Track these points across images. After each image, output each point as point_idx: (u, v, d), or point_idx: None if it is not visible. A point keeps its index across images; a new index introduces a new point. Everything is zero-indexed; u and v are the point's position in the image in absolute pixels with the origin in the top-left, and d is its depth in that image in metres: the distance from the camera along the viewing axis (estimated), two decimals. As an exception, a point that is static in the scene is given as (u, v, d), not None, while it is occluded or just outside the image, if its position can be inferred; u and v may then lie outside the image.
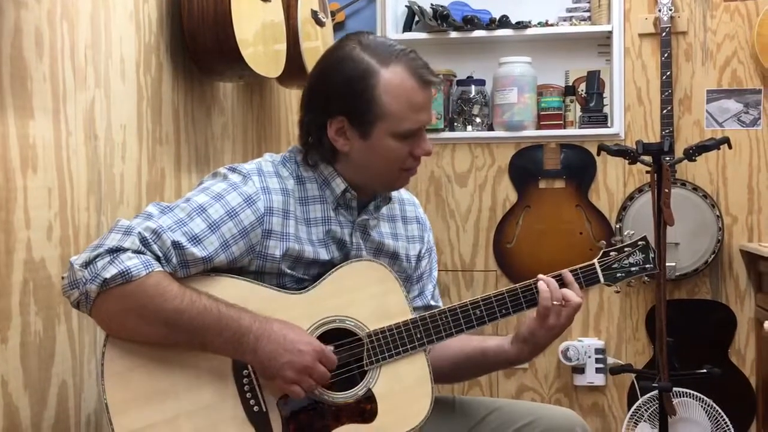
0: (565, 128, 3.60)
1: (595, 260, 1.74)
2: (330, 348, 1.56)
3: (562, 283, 1.68)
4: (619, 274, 1.75)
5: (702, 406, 3.09)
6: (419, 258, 1.83)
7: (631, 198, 3.45)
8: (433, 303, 1.85)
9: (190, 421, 1.50)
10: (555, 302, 1.65)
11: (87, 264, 1.45)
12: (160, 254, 1.49)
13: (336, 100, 1.61)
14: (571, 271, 1.71)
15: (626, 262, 1.75)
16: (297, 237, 1.62)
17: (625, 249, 1.76)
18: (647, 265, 1.76)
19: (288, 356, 1.49)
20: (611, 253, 1.75)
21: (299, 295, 1.61)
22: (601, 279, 1.73)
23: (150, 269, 1.46)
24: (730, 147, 2.76)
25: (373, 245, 1.73)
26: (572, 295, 1.66)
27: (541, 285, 1.66)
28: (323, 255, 1.65)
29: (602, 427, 3.56)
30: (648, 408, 3.10)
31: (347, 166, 1.66)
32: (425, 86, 1.62)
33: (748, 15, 3.43)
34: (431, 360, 1.75)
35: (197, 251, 1.51)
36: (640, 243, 1.77)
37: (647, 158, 2.59)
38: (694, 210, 3.36)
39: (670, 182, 2.51)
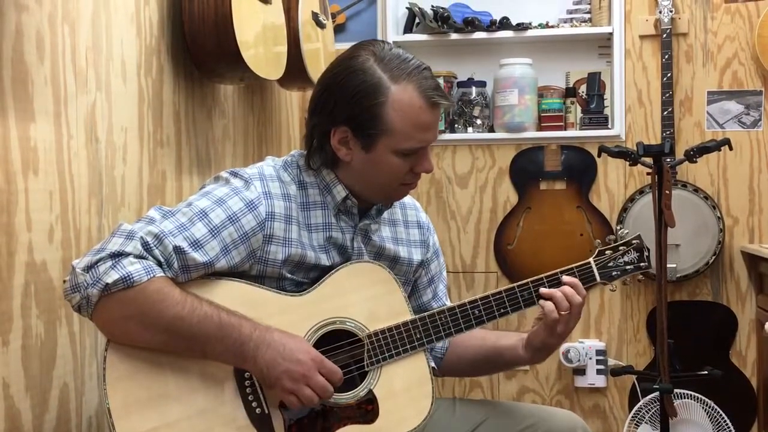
0: (565, 130, 3.59)
1: (591, 259, 1.75)
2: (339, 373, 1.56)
3: (560, 284, 1.69)
4: (614, 273, 1.75)
5: (703, 408, 3.09)
6: (425, 263, 1.84)
7: (631, 199, 3.45)
8: (448, 303, 1.86)
9: (192, 423, 1.50)
10: (563, 312, 1.65)
11: (89, 268, 1.45)
12: (162, 259, 1.49)
13: (342, 110, 1.60)
14: (567, 270, 1.72)
15: (621, 260, 1.76)
16: (299, 242, 1.62)
17: (620, 248, 1.77)
18: (642, 264, 1.77)
19: (286, 365, 1.49)
20: (606, 252, 1.76)
21: (299, 297, 1.61)
22: (598, 277, 1.74)
23: (152, 275, 1.46)
24: (730, 148, 2.76)
25: (374, 249, 1.74)
26: (573, 296, 1.67)
27: (547, 305, 1.66)
28: (324, 260, 1.65)
29: (603, 428, 3.55)
30: (649, 409, 3.10)
31: (348, 174, 1.66)
32: (433, 107, 1.61)
33: (748, 16, 3.43)
34: (450, 358, 1.78)
35: (198, 256, 1.51)
36: (634, 242, 1.78)
37: (648, 160, 2.59)
38: (694, 211, 3.36)
39: (670, 184, 2.50)
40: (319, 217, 1.66)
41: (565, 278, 1.69)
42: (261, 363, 1.50)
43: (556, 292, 1.67)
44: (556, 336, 1.69)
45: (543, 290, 1.68)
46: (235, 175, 1.63)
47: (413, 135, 1.60)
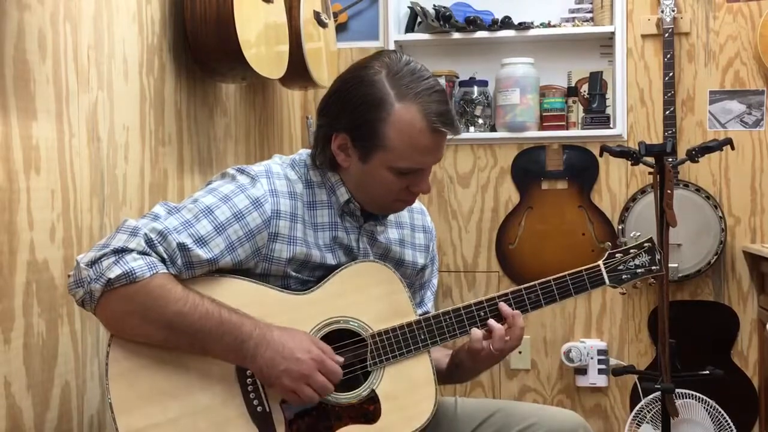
0: (567, 129, 3.59)
1: (600, 262, 1.74)
2: (340, 360, 1.55)
3: (498, 316, 1.66)
4: (624, 276, 1.74)
5: (704, 408, 3.09)
6: (423, 268, 1.84)
7: (633, 199, 3.45)
8: (431, 311, 1.86)
9: (194, 420, 1.50)
10: (495, 351, 1.64)
11: (92, 263, 1.46)
12: (166, 256, 1.49)
13: (345, 117, 1.60)
14: (576, 273, 1.71)
15: (632, 263, 1.75)
16: (304, 241, 1.62)
17: (631, 251, 1.75)
18: (653, 267, 1.76)
19: (285, 364, 1.49)
20: (617, 255, 1.75)
21: (303, 295, 1.61)
22: (607, 281, 1.73)
23: (154, 271, 1.46)
24: (732, 148, 2.76)
25: (380, 250, 1.74)
26: (514, 334, 1.64)
27: (475, 332, 1.64)
28: (330, 260, 1.65)
29: (605, 428, 3.55)
30: (650, 409, 3.10)
31: (347, 178, 1.66)
32: (434, 132, 1.58)
33: (750, 16, 3.43)
34: None
35: (203, 253, 1.52)
36: (646, 245, 1.76)
37: (650, 159, 2.59)
38: (696, 211, 3.36)
39: (672, 183, 2.51)
40: (325, 217, 1.66)
41: (501, 308, 1.65)
42: (260, 362, 1.50)
43: (496, 326, 1.64)
44: (481, 362, 1.68)
45: (490, 321, 1.64)
46: (241, 171, 1.63)
47: (410, 155, 1.59)
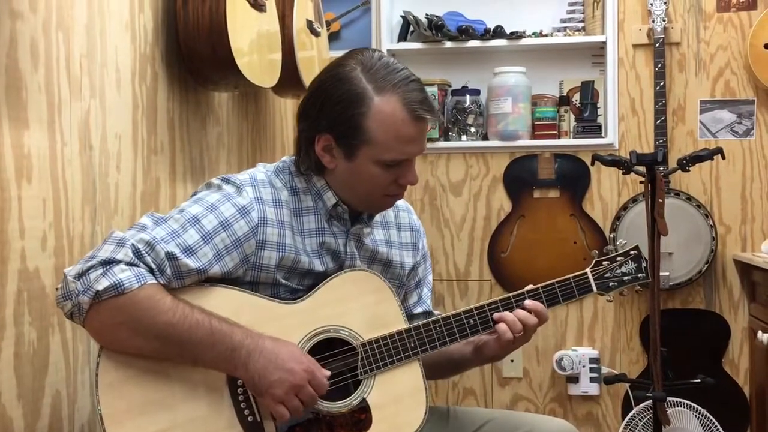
0: (559, 138, 3.61)
1: (588, 270, 1.75)
2: (327, 374, 1.55)
3: (522, 306, 1.68)
4: (611, 284, 1.76)
5: (696, 416, 3.09)
6: (415, 266, 1.84)
7: (625, 208, 3.46)
8: (431, 308, 1.88)
9: (185, 431, 1.50)
10: (516, 335, 1.66)
11: (80, 275, 1.45)
12: (154, 266, 1.49)
13: (326, 118, 1.61)
14: (563, 281, 1.72)
15: (618, 271, 1.76)
16: (293, 247, 1.62)
17: (618, 258, 1.77)
18: (639, 275, 1.77)
19: (278, 374, 1.49)
20: (604, 263, 1.76)
21: (293, 304, 1.61)
22: (594, 288, 1.74)
23: (142, 282, 1.46)
24: (723, 157, 2.77)
25: (367, 253, 1.74)
26: (528, 318, 1.66)
27: (501, 326, 1.66)
28: (318, 266, 1.65)
29: (597, 436, 3.56)
30: (642, 417, 3.10)
31: (334, 181, 1.66)
32: (417, 120, 1.59)
33: (741, 26, 3.45)
34: None
35: (191, 262, 1.51)
36: (632, 252, 1.78)
37: (641, 168, 2.60)
38: (687, 220, 3.37)
39: (663, 192, 2.51)
40: (312, 223, 1.66)
41: (528, 303, 1.68)
42: (252, 371, 1.49)
43: (509, 315, 1.67)
44: (507, 350, 1.71)
45: (500, 315, 1.67)
46: (226, 181, 1.63)
47: (395, 147, 1.60)
